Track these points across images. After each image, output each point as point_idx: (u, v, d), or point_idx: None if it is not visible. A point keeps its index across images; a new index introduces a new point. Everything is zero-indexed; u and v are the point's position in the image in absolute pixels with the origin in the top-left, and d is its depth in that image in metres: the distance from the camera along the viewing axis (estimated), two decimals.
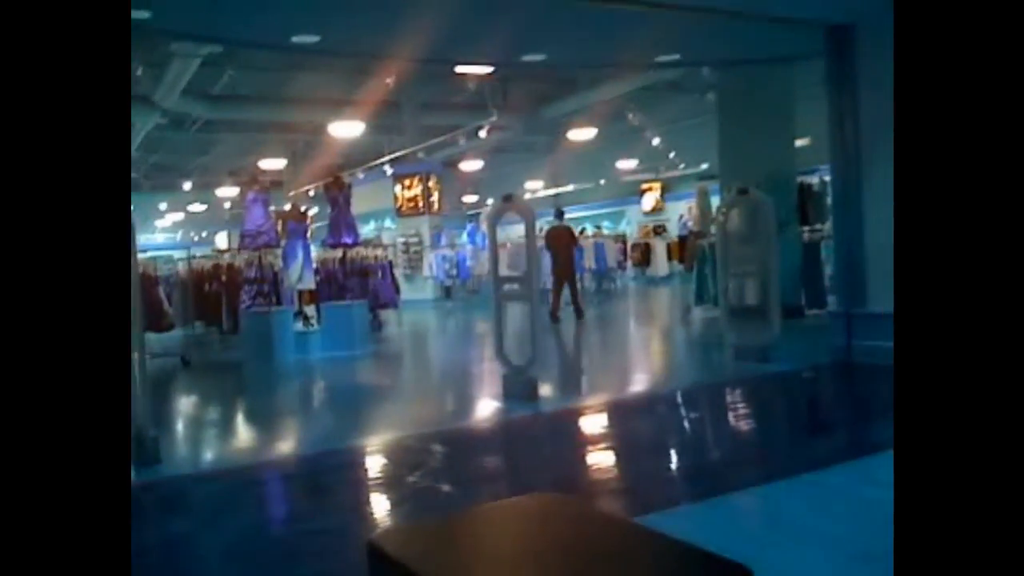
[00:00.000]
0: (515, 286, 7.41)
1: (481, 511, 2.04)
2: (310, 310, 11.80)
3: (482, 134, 18.48)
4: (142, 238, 6.26)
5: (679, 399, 6.81)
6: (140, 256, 7.67)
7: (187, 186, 28.23)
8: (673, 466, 4.90)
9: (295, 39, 8.15)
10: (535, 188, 27.22)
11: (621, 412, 6.41)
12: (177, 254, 13.52)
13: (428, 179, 19.71)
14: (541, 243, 13.13)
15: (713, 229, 10.38)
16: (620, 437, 5.72)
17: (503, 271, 7.38)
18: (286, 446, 6.14)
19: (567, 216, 14.15)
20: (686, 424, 6.11)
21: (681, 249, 19.33)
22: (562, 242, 12.82)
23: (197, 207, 30.87)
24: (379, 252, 13.57)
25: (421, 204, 19.77)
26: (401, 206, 20.09)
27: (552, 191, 27.81)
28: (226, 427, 7.05)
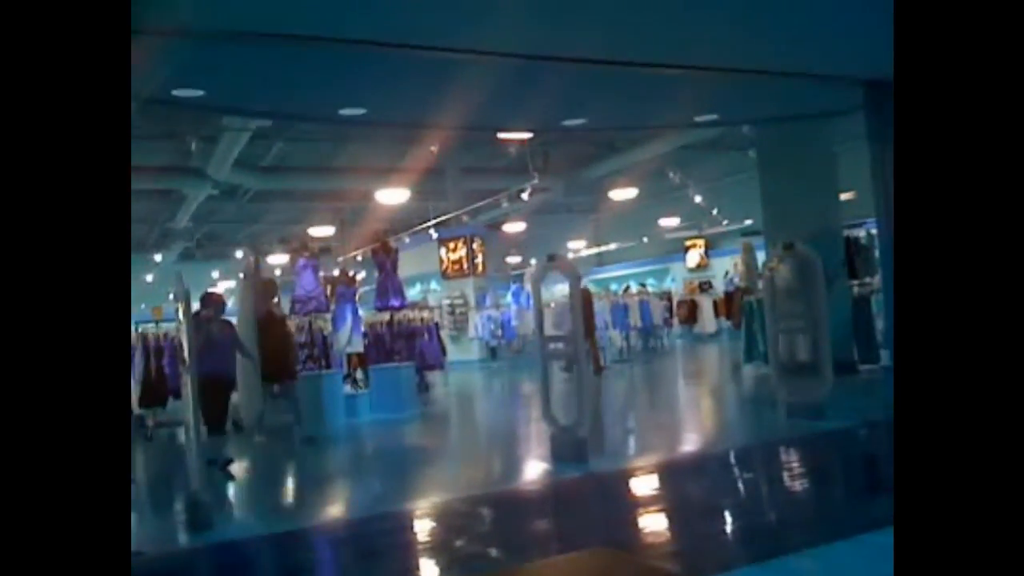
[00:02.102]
0: (561, 345, 7.41)
1: (542, 566, 2.03)
2: (359, 373, 11.92)
3: (524, 197, 18.73)
4: (196, 305, 6.35)
5: (732, 459, 6.69)
6: None
7: (239, 254, 28.96)
8: (728, 528, 4.79)
9: (343, 112, 8.45)
10: (578, 248, 27.34)
11: (674, 473, 6.31)
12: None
13: (472, 242, 19.98)
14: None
15: (760, 285, 10.29)
16: (673, 499, 5.63)
17: (548, 330, 7.39)
18: (337, 510, 6.16)
19: (605, 275, 14.42)
20: (740, 484, 5.99)
21: (728, 305, 19.13)
22: (584, 303, 13.34)
23: None
24: (425, 314, 13.71)
25: (465, 266, 20.00)
26: (446, 268, 20.34)
27: (595, 250, 27.90)
28: (277, 491, 7.10)
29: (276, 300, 10.00)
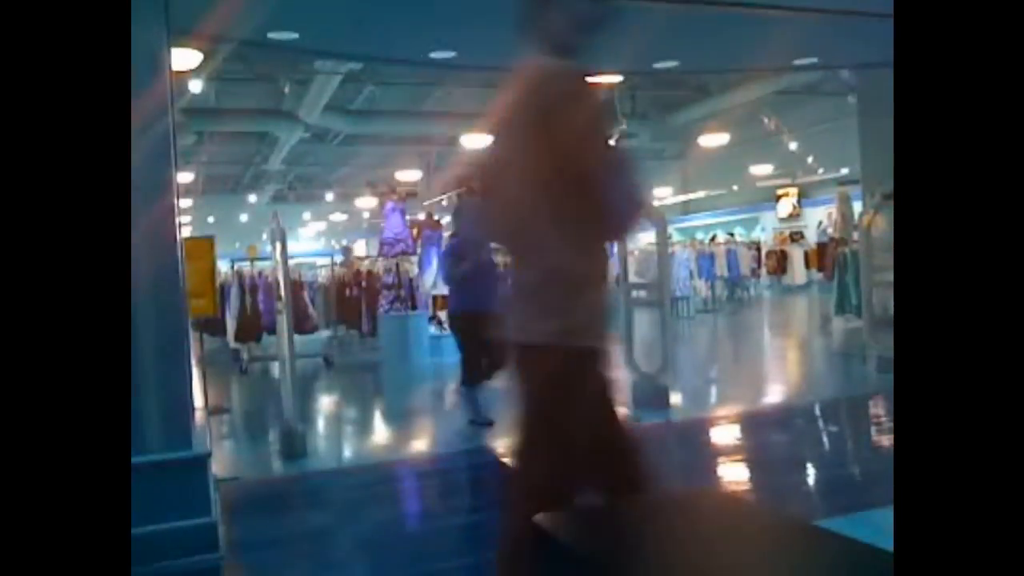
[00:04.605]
0: (643, 293, 7.37)
1: (644, 501, 2.06)
2: (443, 315, 12.15)
3: (610, 142, 18.42)
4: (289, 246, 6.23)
5: (818, 411, 6.57)
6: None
7: (329, 196, 29.66)
8: (811, 480, 4.74)
9: (433, 55, 8.45)
10: (664, 195, 26.86)
11: (757, 424, 6.25)
12: (320, 261, 14.25)
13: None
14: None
15: (855, 236, 9.93)
16: (755, 449, 5.58)
17: (631, 278, 7.35)
18: (420, 444, 6.37)
19: (691, 223, 14.02)
20: (825, 438, 5.89)
21: (820, 257, 18.55)
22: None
23: (338, 216, 32.39)
24: (507, 259, 13.78)
25: None
26: None
27: (682, 197, 27.36)
28: (366, 424, 7.39)
29: None
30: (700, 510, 1.76)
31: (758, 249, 20.82)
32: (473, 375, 6.06)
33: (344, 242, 29.77)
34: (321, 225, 34.50)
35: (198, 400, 5.79)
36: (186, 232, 20.78)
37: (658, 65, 9.60)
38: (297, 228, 34.13)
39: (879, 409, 6.46)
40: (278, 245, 5.74)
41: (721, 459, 5.32)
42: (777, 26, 7.43)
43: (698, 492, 1.93)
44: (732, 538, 1.59)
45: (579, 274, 2.05)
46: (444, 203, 22.71)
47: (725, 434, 5.99)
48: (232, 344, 10.72)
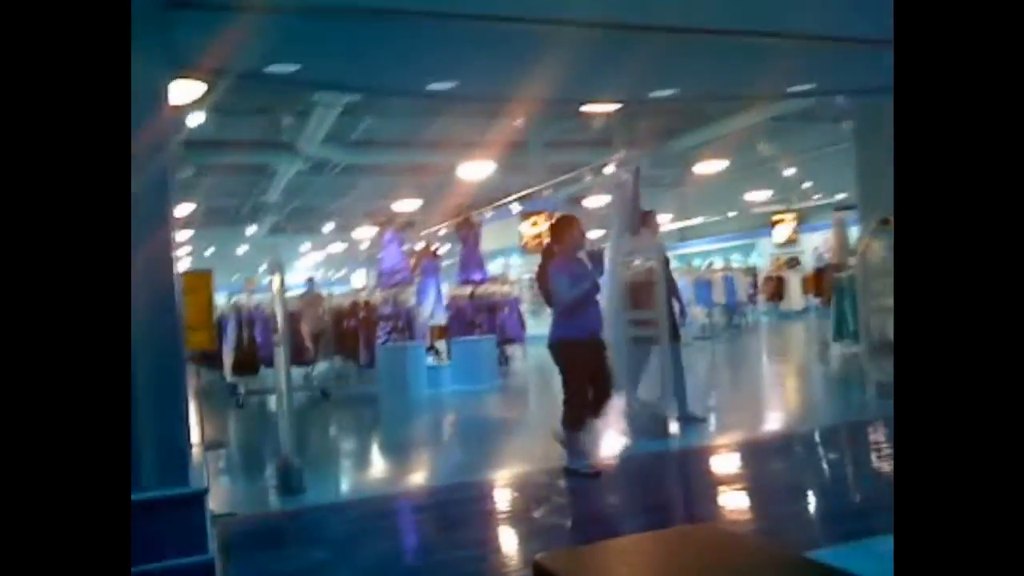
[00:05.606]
0: (642, 321, 7.35)
1: (645, 539, 2.06)
2: (441, 345, 12.12)
3: (608, 170, 18.54)
4: (288, 278, 6.10)
5: (818, 438, 6.54)
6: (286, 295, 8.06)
7: (327, 228, 29.68)
8: (812, 507, 4.70)
9: (431, 86, 8.52)
10: (662, 222, 26.95)
11: (757, 451, 6.21)
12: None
13: (553, 216, 19.94)
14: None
15: (852, 261, 9.95)
16: (757, 477, 5.55)
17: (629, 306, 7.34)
18: (419, 478, 6.32)
19: (688, 250, 13.98)
20: (826, 465, 5.85)
21: (817, 282, 18.57)
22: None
23: (336, 247, 32.43)
24: (506, 288, 13.81)
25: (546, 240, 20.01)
26: (527, 243, 20.38)
27: (679, 224, 27.44)
28: (364, 458, 7.33)
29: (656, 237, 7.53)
30: (697, 546, 1.75)
31: (755, 275, 20.86)
32: (580, 415, 5.39)
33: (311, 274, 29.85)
34: (319, 256, 34.53)
35: (194, 435, 5.74)
36: (184, 265, 20.82)
37: (656, 94, 9.68)
38: (295, 260, 34.17)
39: (879, 435, 6.43)
40: (276, 278, 5.73)
41: (721, 488, 5.28)
42: (773, 53, 7.50)
43: (696, 528, 1.92)
44: (720, 572, 1.59)
45: None
46: (442, 232, 22.79)
47: (725, 463, 5.95)
48: (229, 378, 10.67)
